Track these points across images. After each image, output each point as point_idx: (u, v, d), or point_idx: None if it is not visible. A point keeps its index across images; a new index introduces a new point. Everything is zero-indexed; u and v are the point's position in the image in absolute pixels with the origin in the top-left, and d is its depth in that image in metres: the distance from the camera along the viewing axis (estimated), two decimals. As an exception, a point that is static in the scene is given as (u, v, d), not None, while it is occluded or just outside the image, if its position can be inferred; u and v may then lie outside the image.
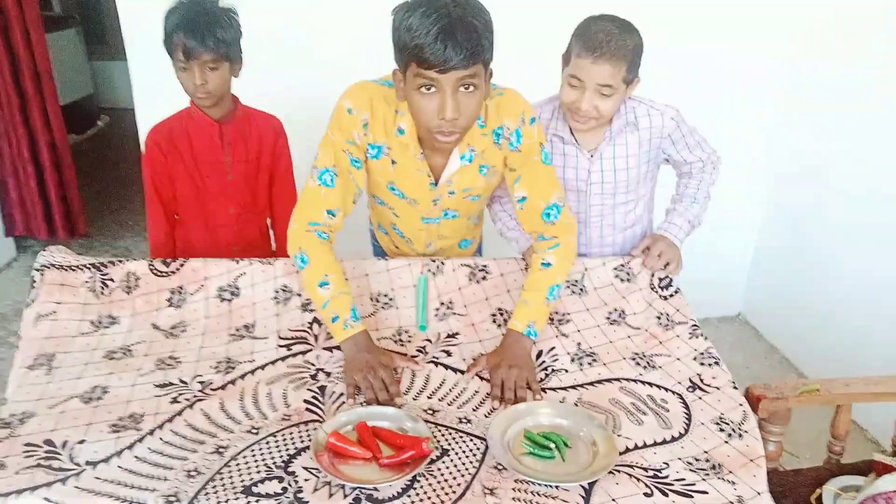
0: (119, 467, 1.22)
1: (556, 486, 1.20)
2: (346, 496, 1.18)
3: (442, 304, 1.69)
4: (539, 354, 1.57)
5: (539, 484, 1.20)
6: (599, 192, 1.77)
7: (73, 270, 1.66)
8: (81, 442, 1.27)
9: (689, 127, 1.78)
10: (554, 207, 1.60)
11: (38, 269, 1.63)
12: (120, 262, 1.69)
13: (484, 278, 1.74)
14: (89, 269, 1.67)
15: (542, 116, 1.73)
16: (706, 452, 1.30)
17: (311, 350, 1.56)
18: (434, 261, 1.75)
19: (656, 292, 1.70)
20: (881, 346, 2.48)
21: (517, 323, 1.54)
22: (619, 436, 1.34)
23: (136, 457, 1.25)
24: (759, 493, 1.21)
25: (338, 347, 1.54)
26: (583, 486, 1.20)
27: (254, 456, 1.26)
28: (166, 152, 1.83)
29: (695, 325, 1.62)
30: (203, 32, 1.67)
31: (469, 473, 1.23)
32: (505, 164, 1.60)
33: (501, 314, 1.67)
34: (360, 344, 1.48)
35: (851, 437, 1.67)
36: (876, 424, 2.52)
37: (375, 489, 1.19)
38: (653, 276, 1.73)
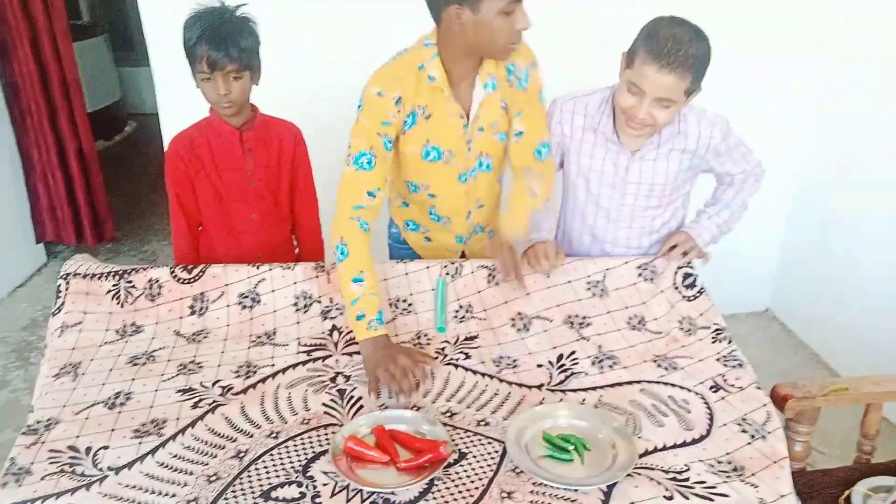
0: (141, 473, 1.24)
1: (575, 490, 1.19)
2: (363, 500, 1.18)
3: (461, 307, 1.69)
4: (560, 358, 1.56)
5: (558, 487, 1.19)
6: (634, 193, 1.75)
7: (98, 278, 1.68)
8: (105, 448, 1.29)
9: (735, 139, 1.75)
10: (545, 147, 1.72)
11: (63, 278, 1.66)
12: (143, 269, 1.72)
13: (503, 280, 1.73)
14: (113, 277, 1.70)
15: (589, 106, 1.71)
16: (728, 454, 1.28)
17: (331, 356, 1.57)
18: (452, 262, 1.74)
19: (680, 292, 1.68)
20: (914, 342, 2.43)
21: (507, 230, 1.69)
22: (639, 437, 1.32)
23: (157, 462, 1.27)
24: (782, 496, 1.19)
25: (357, 352, 1.55)
26: (602, 490, 1.19)
27: (272, 460, 1.27)
28: (188, 161, 1.83)
29: (718, 329, 1.59)
30: (227, 43, 1.67)
31: (487, 477, 1.23)
32: (512, 102, 1.70)
33: (521, 318, 1.66)
34: (378, 344, 1.49)
35: (882, 435, 1.63)
36: (910, 421, 2.47)
37: (393, 493, 1.19)
38: (676, 274, 1.70)
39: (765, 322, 3.24)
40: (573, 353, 1.57)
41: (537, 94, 1.71)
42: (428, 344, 1.61)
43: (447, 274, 1.73)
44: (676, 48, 1.46)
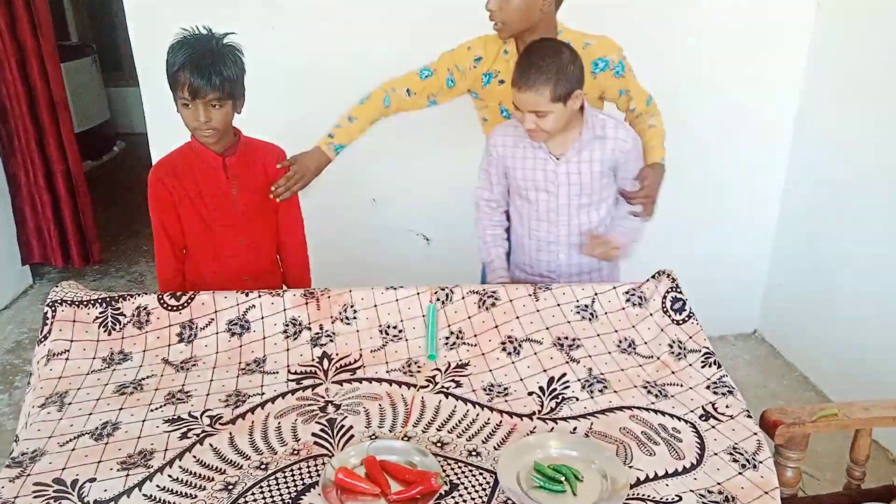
0: (128, 507, 1.22)
1: (567, 522, 1.19)
2: (354, 534, 1.17)
3: (451, 333, 1.68)
4: (550, 381, 1.56)
5: (549, 519, 1.19)
6: (566, 193, 1.89)
7: (85, 306, 1.67)
8: (91, 480, 1.27)
9: (640, 154, 1.94)
10: (649, 99, 2.06)
11: (50, 305, 1.65)
12: (130, 296, 1.71)
13: (493, 304, 1.73)
14: (101, 304, 1.68)
15: (509, 128, 1.92)
16: (719, 484, 1.28)
17: (321, 384, 1.56)
18: (443, 289, 1.75)
19: (669, 316, 1.69)
20: (901, 364, 2.44)
21: (655, 157, 1.98)
22: (630, 467, 1.32)
23: (144, 495, 1.25)
24: (774, 527, 1.19)
25: (348, 380, 1.55)
26: (594, 522, 1.18)
27: (262, 493, 1.25)
28: (171, 188, 1.82)
29: (707, 353, 1.60)
30: (209, 71, 1.67)
31: (478, 509, 1.22)
32: (603, 89, 2.01)
33: (511, 342, 1.66)
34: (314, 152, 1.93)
35: (872, 459, 1.63)
36: (898, 444, 2.48)
37: (384, 526, 1.18)
38: (665, 298, 1.71)
39: (753, 344, 3.25)
40: (564, 375, 1.57)
41: (632, 74, 2.03)
42: (419, 371, 1.60)
43: (438, 300, 1.73)
44: (528, 69, 1.69)
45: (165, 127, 2.45)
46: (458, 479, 1.28)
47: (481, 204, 2.02)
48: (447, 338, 1.68)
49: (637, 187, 1.91)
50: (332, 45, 2.58)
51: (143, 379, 1.57)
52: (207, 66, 1.67)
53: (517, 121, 1.81)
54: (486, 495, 1.25)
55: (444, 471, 1.30)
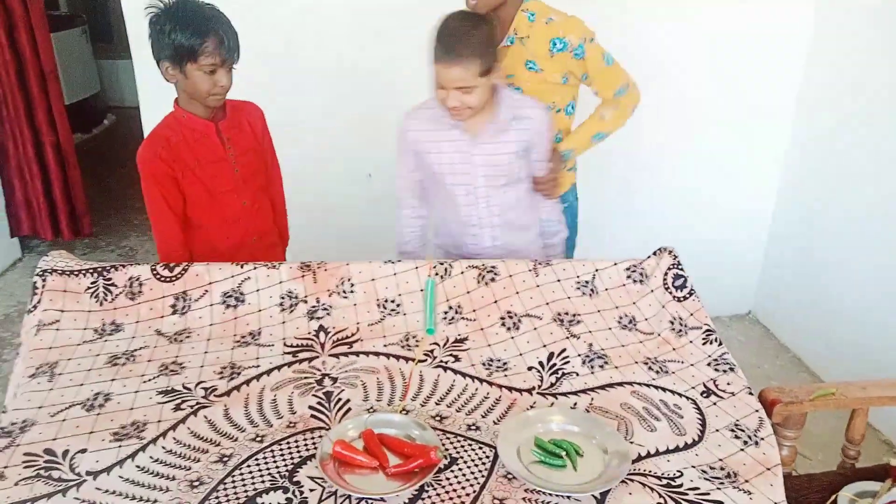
0: (120, 477, 1.20)
1: (568, 497, 1.17)
2: (352, 507, 1.15)
3: (450, 307, 1.66)
4: (550, 357, 1.54)
5: (550, 494, 1.17)
6: (483, 174, 1.86)
7: (76, 275, 1.64)
8: (83, 451, 1.25)
9: (553, 134, 1.94)
10: (623, 89, 1.98)
11: (39, 275, 1.61)
12: (123, 266, 1.67)
13: (493, 279, 1.71)
14: (92, 273, 1.65)
15: (432, 108, 1.83)
16: (721, 460, 1.27)
17: (317, 357, 1.54)
18: (442, 263, 1.72)
19: (670, 293, 1.67)
20: (894, 346, 2.44)
21: (564, 143, 1.98)
22: (631, 442, 1.30)
23: (137, 466, 1.23)
24: (775, 503, 1.17)
25: (344, 353, 1.52)
26: (595, 497, 1.17)
27: (258, 465, 1.23)
28: (170, 162, 1.78)
29: (709, 331, 1.58)
30: (231, 36, 1.70)
31: (478, 483, 1.20)
32: (567, 70, 1.95)
33: (510, 317, 1.64)
34: None
35: (865, 439, 1.63)
36: (890, 425, 2.48)
37: (383, 499, 1.16)
38: (666, 275, 1.69)
39: (747, 325, 3.25)
40: (564, 351, 1.55)
41: (601, 59, 1.95)
42: (417, 346, 1.58)
43: (436, 274, 1.70)
44: (454, 43, 1.65)
45: (158, 100, 2.40)
46: (458, 452, 1.27)
47: (399, 193, 1.97)
48: (445, 312, 1.66)
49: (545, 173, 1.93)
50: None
51: (136, 350, 1.54)
52: (227, 32, 1.69)
53: (437, 101, 1.76)
54: (485, 469, 1.23)
55: (444, 445, 1.28)
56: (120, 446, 1.27)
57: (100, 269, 1.66)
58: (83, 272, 1.65)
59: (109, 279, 1.65)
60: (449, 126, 1.82)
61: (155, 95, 2.51)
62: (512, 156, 1.85)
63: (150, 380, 1.45)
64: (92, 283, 1.64)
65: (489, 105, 1.79)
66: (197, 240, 1.91)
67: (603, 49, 1.95)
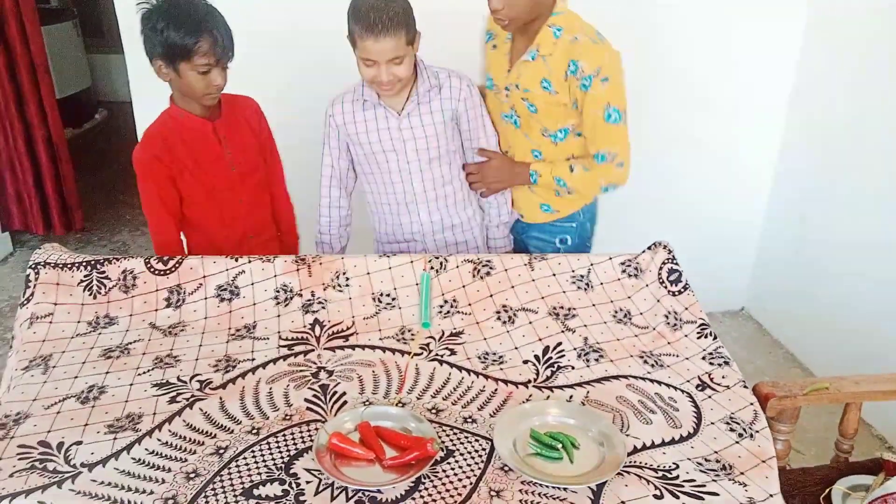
0: (115, 469, 1.19)
1: (565, 489, 1.17)
2: (348, 498, 1.15)
3: (446, 301, 1.66)
4: (546, 350, 1.54)
5: (547, 486, 1.18)
6: (414, 149, 1.88)
7: (69, 269, 1.63)
8: (77, 443, 1.25)
9: (478, 101, 1.91)
10: (602, 157, 1.83)
11: (32, 268, 1.60)
12: (116, 259, 1.67)
13: (488, 274, 1.71)
14: (85, 267, 1.64)
15: (355, 91, 1.86)
16: (716, 453, 1.27)
17: (312, 350, 1.54)
18: (437, 257, 1.72)
19: (665, 287, 1.67)
20: (886, 342, 2.46)
21: (536, 164, 1.89)
22: (627, 435, 1.31)
23: (133, 458, 1.22)
24: (771, 496, 1.18)
25: (340, 347, 1.52)
26: (591, 489, 1.18)
27: (254, 457, 1.23)
28: (168, 163, 1.77)
29: (703, 325, 1.59)
30: (226, 34, 1.67)
31: (474, 475, 1.20)
32: (575, 97, 1.79)
33: (506, 311, 1.64)
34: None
35: (857, 433, 1.64)
36: (881, 420, 2.50)
37: (379, 491, 1.16)
38: (661, 269, 1.70)
39: (740, 321, 3.26)
40: (559, 344, 1.56)
41: (600, 107, 1.76)
42: (412, 339, 1.58)
43: (431, 268, 1.70)
44: (380, 16, 1.63)
45: (151, 95, 2.38)
46: (454, 445, 1.27)
47: (323, 182, 1.96)
48: (441, 307, 1.66)
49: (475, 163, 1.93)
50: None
51: (130, 343, 1.54)
52: (223, 30, 1.67)
53: (366, 80, 1.77)
54: (482, 462, 1.23)
55: (440, 437, 1.28)
56: (115, 438, 1.26)
57: (93, 262, 1.65)
58: (76, 265, 1.64)
59: (103, 272, 1.64)
60: (373, 105, 1.84)
61: (148, 91, 2.48)
62: (440, 126, 1.86)
63: (144, 372, 1.44)
64: (85, 276, 1.63)
65: (409, 79, 1.80)
66: (197, 241, 1.91)
67: (613, 100, 1.77)
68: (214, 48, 1.66)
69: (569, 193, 1.92)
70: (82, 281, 1.62)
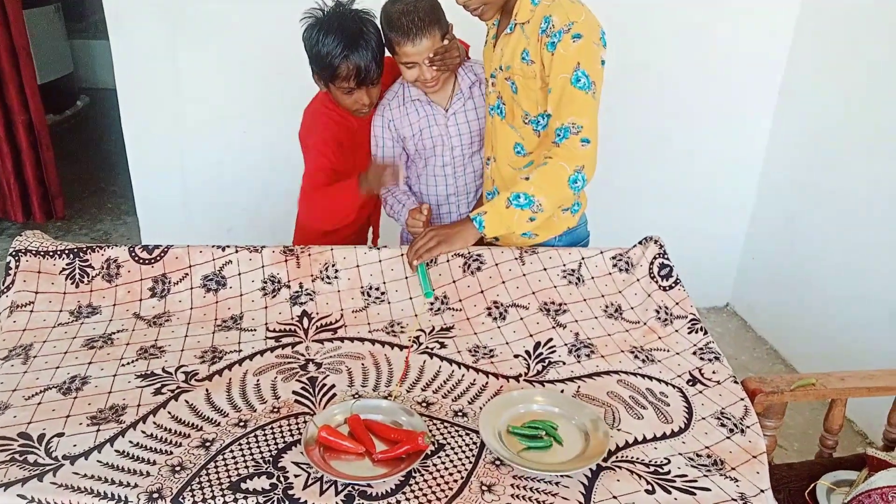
0: (98, 462, 1.17)
1: (557, 483, 1.16)
2: (338, 492, 1.13)
3: (436, 297, 1.64)
4: (537, 346, 1.53)
5: (539, 480, 1.17)
6: (459, 144, 1.92)
7: (51, 257, 1.59)
8: (59, 435, 1.22)
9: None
10: (566, 131, 1.56)
11: (13, 255, 1.57)
12: (100, 247, 1.63)
13: (479, 268, 1.69)
14: (67, 255, 1.60)
15: (397, 93, 1.88)
16: (707, 448, 1.27)
17: (300, 342, 1.51)
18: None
19: (656, 282, 1.67)
20: (868, 339, 2.48)
21: (473, 212, 1.65)
22: (618, 430, 1.30)
23: (116, 451, 1.19)
24: (762, 491, 1.18)
25: (329, 339, 1.50)
26: (583, 483, 1.17)
27: (241, 450, 1.21)
28: (338, 132, 1.84)
29: (694, 320, 1.59)
30: (370, 56, 1.70)
31: (466, 469, 1.19)
32: (542, 63, 1.60)
33: (497, 307, 1.63)
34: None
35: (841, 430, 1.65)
36: (863, 416, 2.52)
37: (369, 485, 1.14)
38: (652, 264, 1.69)
39: (725, 317, 3.28)
40: (550, 340, 1.55)
41: (569, 69, 1.53)
42: (402, 332, 1.56)
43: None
44: (411, 20, 1.67)
45: (135, 82, 2.35)
46: (445, 439, 1.25)
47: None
48: (431, 303, 1.64)
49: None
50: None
51: (114, 333, 1.51)
52: (369, 49, 1.70)
53: (408, 82, 1.82)
54: (473, 456, 1.22)
55: (431, 431, 1.27)
56: (98, 430, 1.23)
57: (76, 251, 1.62)
58: (58, 253, 1.60)
59: (86, 260, 1.61)
60: (423, 103, 1.87)
61: (133, 79, 2.46)
62: (483, 120, 1.90)
63: (128, 363, 1.42)
64: (68, 264, 1.60)
65: (450, 77, 1.85)
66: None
67: (584, 63, 1.53)
68: (356, 73, 1.70)
69: (539, 211, 1.60)
70: (64, 269, 1.59)
